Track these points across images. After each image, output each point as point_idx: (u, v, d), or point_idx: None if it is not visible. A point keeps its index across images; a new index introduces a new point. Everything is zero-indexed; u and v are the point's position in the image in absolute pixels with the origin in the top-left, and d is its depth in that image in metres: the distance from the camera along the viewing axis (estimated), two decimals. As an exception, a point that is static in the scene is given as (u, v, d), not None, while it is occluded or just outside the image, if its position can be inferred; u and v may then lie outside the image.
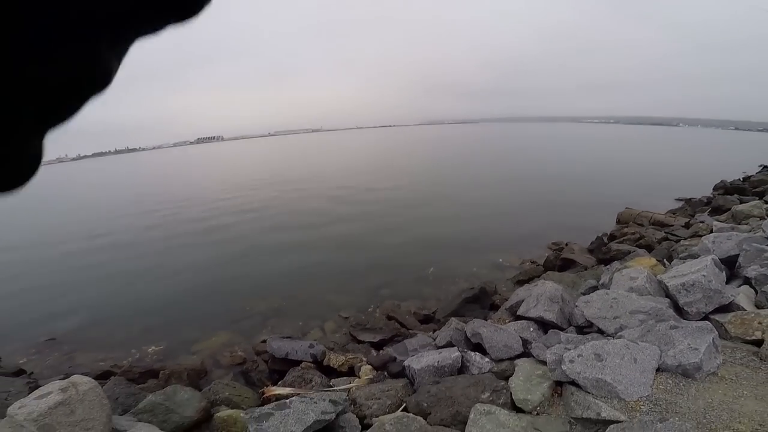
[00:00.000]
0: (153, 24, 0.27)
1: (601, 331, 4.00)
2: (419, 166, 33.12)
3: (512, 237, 11.54)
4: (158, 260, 11.43)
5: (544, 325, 4.64)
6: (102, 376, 5.07)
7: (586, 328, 4.24)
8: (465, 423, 2.95)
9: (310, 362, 5.08)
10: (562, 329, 4.43)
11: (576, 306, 4.52)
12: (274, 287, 8.73)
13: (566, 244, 9.92)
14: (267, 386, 4.48)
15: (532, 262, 9.22)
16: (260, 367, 5.31)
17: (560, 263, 8.46)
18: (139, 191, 28.91)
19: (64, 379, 2.98)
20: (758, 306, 4.02)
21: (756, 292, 4.26)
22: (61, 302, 8.64)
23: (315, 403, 3.24)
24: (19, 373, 5.71)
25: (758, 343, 3.43)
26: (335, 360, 5.06)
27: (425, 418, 3.18)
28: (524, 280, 7.91)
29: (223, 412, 3.57)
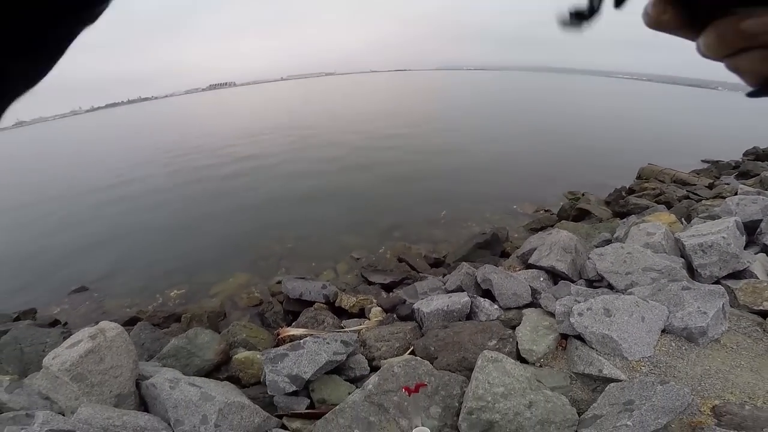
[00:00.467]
0: None
1: (611, 287, 3.94)
2: (436, 112, 32.01)
3: (527, 185, 11.36)
4: (173, 207, 11.61)
5: (554, 276, 4.59)
6: (129, 322, 5.32)
7: (596, 282, 4.17)
8: (470, 369, 2.94)
9: (322, 303, 5.19)
10: (572, 281, 4.36)
11: (589, 258, 4.40)
12: (288, 229, 8.87)
13: (582, 194, 9.74)
14: (282, 327, 4.64)
15: (546, 211, 9.13)
16: (275, 308, 5.50)
17: (575, 213, 8.33)
18: (153, 140, 28.73)
19: (93, 326, 3.07)
20: (771, 276, 3.88)
21: (772, 261, 4.11)
22: (87, 252, 8.87)
23: (327, 343, 3.31)
24: (55, 323, 5.96)
25: (765, 314, 3.36)
26: (347, 301, 5.16)
27: (432, 362, 3.18)
28: (537, 228, 7.87)
29: (241, 354, 3.73)
